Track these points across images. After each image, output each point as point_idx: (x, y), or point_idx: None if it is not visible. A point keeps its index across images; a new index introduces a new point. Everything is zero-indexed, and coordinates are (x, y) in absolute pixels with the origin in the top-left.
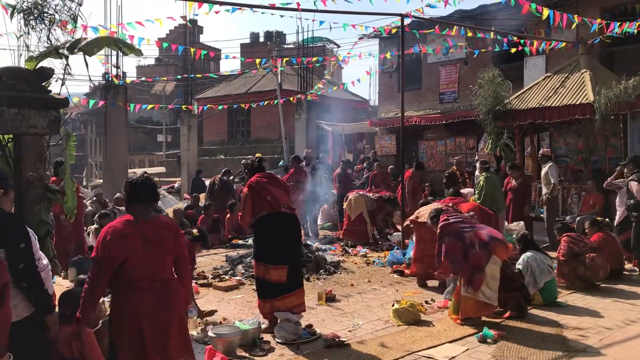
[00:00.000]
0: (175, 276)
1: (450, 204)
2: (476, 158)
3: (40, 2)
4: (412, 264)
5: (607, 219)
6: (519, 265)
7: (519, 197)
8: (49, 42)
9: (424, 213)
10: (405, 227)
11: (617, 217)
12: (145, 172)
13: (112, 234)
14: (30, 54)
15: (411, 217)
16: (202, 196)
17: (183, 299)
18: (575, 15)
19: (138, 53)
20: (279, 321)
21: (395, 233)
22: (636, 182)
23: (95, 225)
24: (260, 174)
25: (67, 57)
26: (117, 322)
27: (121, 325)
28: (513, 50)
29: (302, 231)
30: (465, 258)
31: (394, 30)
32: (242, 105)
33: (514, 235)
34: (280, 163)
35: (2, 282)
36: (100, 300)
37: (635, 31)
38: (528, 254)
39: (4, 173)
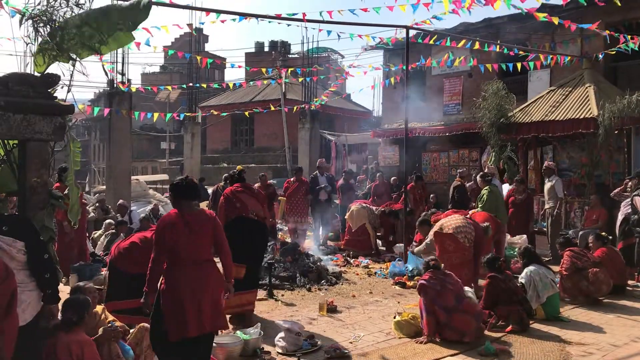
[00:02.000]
0: (214, 259)
1: (468, 216)
2: (486, 170)
3: (49, 9)
4: None
5: (609, 236)
6: (521, 279)
7: (522, 212)
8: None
9: (448, 224)
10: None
11: (617, 225)
12: (187, 175)
13: (165, 223)
14: (41, 49)
15: (435, 229)
16: (203, 204)
17: (219, 277)
18: (586, 25)
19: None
20: (282, 331)
21: (397, 244)
22: None
23: (99, 232)
24: (238, 184)
25: (75, 61)
26: (164, 294)
27: (166, 297)
28: (519, 65)
29: (268, 237)
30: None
31: (401, 39)
32: (246, 114)
33: (516, 249)
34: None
35: (11, 290)
36: (100, 309)
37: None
38: (531, 267)
39: None
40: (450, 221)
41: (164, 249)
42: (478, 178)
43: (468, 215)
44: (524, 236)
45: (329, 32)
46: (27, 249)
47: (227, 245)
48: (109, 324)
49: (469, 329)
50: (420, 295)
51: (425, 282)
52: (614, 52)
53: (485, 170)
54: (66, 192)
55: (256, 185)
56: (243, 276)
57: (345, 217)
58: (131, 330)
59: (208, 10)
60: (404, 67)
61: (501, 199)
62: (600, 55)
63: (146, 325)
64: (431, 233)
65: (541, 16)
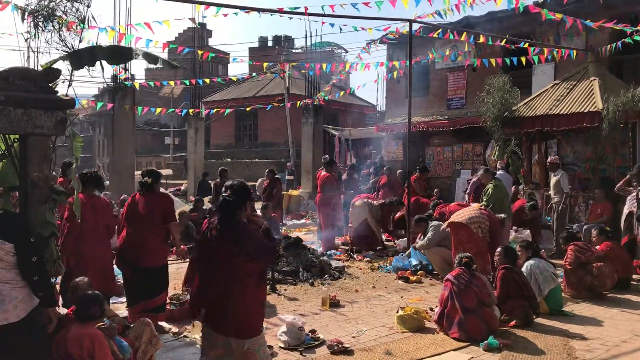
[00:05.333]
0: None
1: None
2: (498, 165)
3: (49, 5)
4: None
5: (612, 230)
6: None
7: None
8: (61, 44)
9: (462, 215)
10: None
11: (622, 219)
12: (96, 170)
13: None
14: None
15: (450, 220)
16: (207, 199)
17: (107, 251)
18: (591, 24)
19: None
20: (284, 326)
21: (401, 239)
22: None
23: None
24: None
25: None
26: (68, 259)
27: (70, 259)
28: (523, 59)
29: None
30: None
31: (405, 32)
32: (247, 110)
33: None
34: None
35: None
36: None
37: None
38: (531, 261)
39: None
40: (464, 212)
41: (75, 220)
42: (481, 172)
43: (482, 207)
44: (527, 231)
45: (332, 24)
46: (15, 250)
47: (113, 225)
48: (104, 322)
49: (478, 336)
50: (444, 286)
51: (451, 278)
52: (625, 45)
53: (498, 165)
54: (71, 185)
55: (262, 180)
56: None
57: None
58: (131, 325)
59: (208, 4)
60: (407, 62)
61: (506, 194)
62: (609, 47)
63: (146, 319)
64: (445, 224)
65: (545, 12)
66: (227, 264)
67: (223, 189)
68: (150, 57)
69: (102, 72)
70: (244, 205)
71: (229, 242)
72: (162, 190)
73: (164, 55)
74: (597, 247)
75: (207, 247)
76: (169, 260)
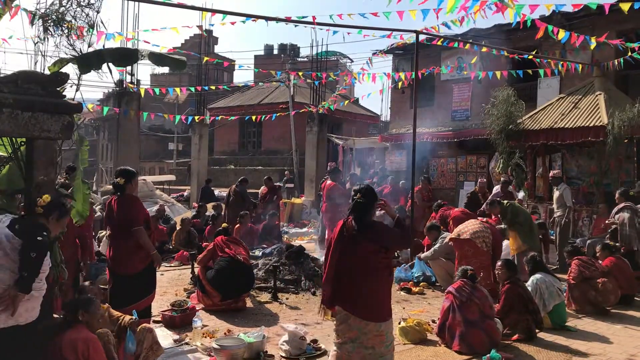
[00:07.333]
0: None
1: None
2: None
3: (58, 9)
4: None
5: (617, 244)
6: (527, 286)
7: None
8: (69, 48)
9: (465, 230)
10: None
11: None
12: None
13: None
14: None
15: (452, 235)
16: (210, 205)
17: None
18: (593, 37)
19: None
20: (285, 335)
21: (403, 250)
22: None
23: (105, 232)
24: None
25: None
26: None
27: None
28: (530, 71)
29: None
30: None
31: (409, 40)
32: (253, 118)
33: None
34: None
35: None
36: (104, 308)
37: None
38: (537, 276)
39: (59, 200)
40: (467, 227)
41: None
42: (489, 206)
43: (485, 219)
44: None
45: (334, 32)
46: (21, 246)
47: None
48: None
49: (480, 349)
50: (445, 298)
51: (452, 290)
52: (631, 60)
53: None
54: (70, 190)
55: (262, 188)
56: None
57: None
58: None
59: (214, 11)
60: (413, 75)
61: (526, 211)
62: (617, 62)
63: (149, 326)
64: (448, 238)
65: (549, 29)
66: (366, 259)
67: (352, 192)
68: (155, 57)
69: (111, 75)
70: (375, 204)
71: (367, 241)
72: (137, 193)
73: None
74: (601, 262)
75: (344, 244)
76: (170, 266)
